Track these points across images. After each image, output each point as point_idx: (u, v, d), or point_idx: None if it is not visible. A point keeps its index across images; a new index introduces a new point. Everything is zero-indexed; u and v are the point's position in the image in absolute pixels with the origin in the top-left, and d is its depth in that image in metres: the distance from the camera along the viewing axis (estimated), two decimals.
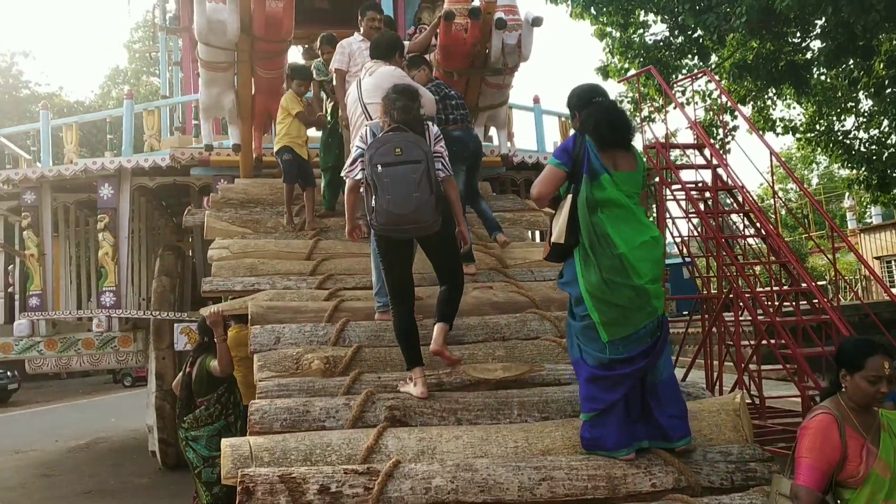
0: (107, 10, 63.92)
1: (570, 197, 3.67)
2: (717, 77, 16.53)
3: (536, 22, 6.77)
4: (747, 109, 18.35)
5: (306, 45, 11.77)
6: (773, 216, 10.99)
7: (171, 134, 10.94)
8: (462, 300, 5.27)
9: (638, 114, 13.30)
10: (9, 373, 22.36)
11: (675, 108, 9.73)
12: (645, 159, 3.87)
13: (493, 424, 4.02)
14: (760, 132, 18.00)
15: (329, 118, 7.19)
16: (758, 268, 9.88)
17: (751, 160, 12.19)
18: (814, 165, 39.37)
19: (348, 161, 4.48)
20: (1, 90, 28.17)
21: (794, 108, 19.38)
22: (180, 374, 5.57)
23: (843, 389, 3.03)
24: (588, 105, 3.80)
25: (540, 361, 4.70)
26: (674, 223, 9.65)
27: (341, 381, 4.35)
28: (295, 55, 13.72)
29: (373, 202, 4.05)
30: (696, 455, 3.69)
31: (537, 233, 8.50)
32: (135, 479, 9.38)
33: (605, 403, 3.57)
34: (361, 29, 6.30)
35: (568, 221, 3.64)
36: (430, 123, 4.51)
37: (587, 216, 3.58)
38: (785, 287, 8.63)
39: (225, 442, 3.74)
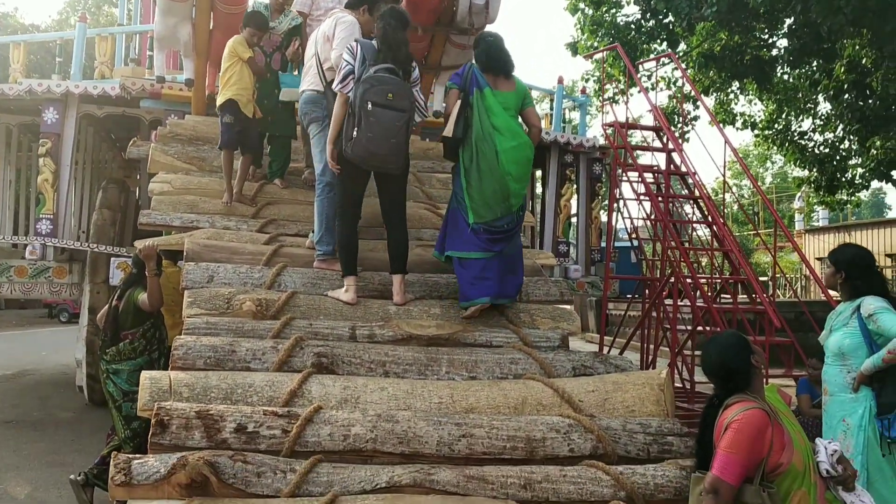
0: None
1: (459, 101, 4.71)
2: (683, 65, 16.63)
3: None
4: (710, 100, 18.53)
5: None
6: (724, 209, 11.14)
7: (126, 64, 10.59)
8: None
9: (601, 94, 13.31)
10: None
11: (638, 91, 9.72)
12: (528, 91, 5.05)
13: (420, 379, 4.01)
14: (720, 124, 18.23)
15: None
16: (704, 259, 10.03)
17: (707, 151, 12.23)
18: (769, 164, 40.10)
19: (340, 75, 4.59)
20: None
21: (755, 104, 19.63)
22: (107, 305, 5.43)
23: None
24: (479, 43, 4.97)
25: (474, 323, 4.69)
26: (625, 205, 9.73)
27: (272, 324, 4.29)
28: None
29: (354, 132, 4.35)
30: (616, 424, 3.72)
31: None
32: (59, 413, 9.21)
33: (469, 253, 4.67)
34: None
35: (456, 119, 4.67)
36: (415, 64, 4.77)
37: (478, 113, 4.66)
38: (726, 276, 8.79)
39: (145, 374, 3.66)
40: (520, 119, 4.90)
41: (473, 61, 4.95)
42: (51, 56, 20.86)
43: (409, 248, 4.87)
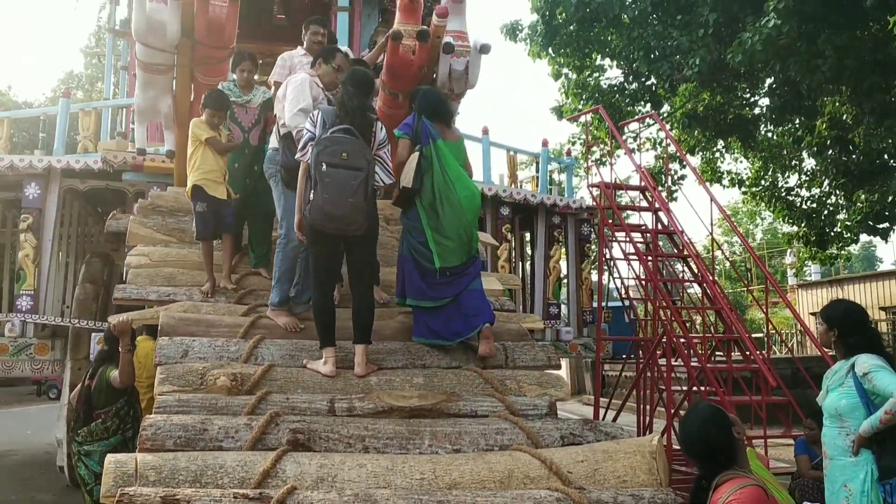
0: (65, 14, 62.93)
1: (416, 153, 4.85)
2: (667, 125, 16.81)
3: (484, 49, 6.71)
4: (696, 159, 18.68)
5: (260, 62, 11.59)
6: (714, 267, 11.06)
7: (113, 138, 10.60)
8: (386, 324, 5.16)
9: (588, 156, 13.38)
10: None
11: (624, 152, 9.76)
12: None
13: (401, 454, 3.83)
14: (707, 183, 18.33)
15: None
16: (697, 317, 9.91)
17: (694, 210, 12.13)
18: (759, 220, 40.30)
19: (300, 143, 4.58)
20: None
21: (741, 161, 19.80)
22: (79, 385, 5.25)
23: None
24: (417, 95, 5.21)
25: (459, 391, 4.53)
26: (615, 265, 9.66)
27: (247, 400, 4.12)
28: None
29: (310, 195, 4.32)
30: (607, 497, 3.54)
31: None
32: (38, 495, 8.90)
33: (435, 301, 4.87)
34: (304, 43, 6.16)
35: (415, 170, 4.80)
36: (378, 124, 4.73)
37: (438, 164, 4.84)
38: (718, 335, 8.66)
39: (109, 457, 3.48)
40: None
41: (417, 111, 5.11)
42: (38, 130, 21.04)
43: (373, 315, 4.73)
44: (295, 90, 5.03)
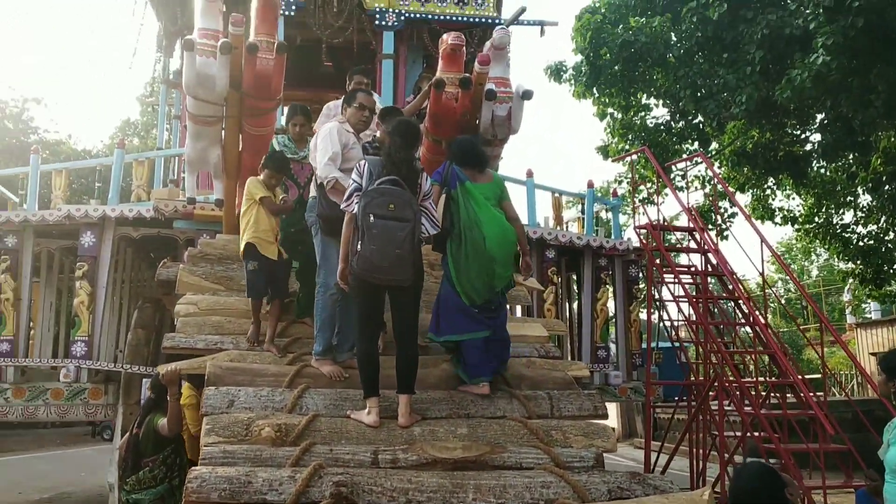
0: (124, 63, 65.29)
1: (443, 196, 5.07)
2: (716, 163, 16.63)
3: (527, 95, 6.73)
4: (747, 197, 18.41)
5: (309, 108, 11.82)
6: (766, 308, 10.81)
7: (166, 186, 10.88)
8: (430, 373, 5.14)
9: (635, 195, 13.27)
10: None
11: (667, 191, 9.66)
12: (504, 184, 5.48)
13: None
14: (759, 220, 18.02)
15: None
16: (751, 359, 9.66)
17: (743, 249, 11.93)
18: (814, 257, 39.36)
19: (346, 194, 4.63)
20: (10, 135, 28.32)
21: (793, 198, 19.44)
22: (128, 433, 5.32)
23: None
24: (453, 144, 5.50)
25: (503, 443, 4.47)
26: (664, 307, 9.50)
27: (291, 451, 4.13)
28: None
29: (358, 246, 4.37)
30: None
31: (518, 307, 8.31)
32: None
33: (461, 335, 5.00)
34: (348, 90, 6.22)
35: (443, 213, 4.98)
36: (424, 175, 4.80)
37: (464, 205, 5.04)
38: (772, 378, 8.41)
39: None
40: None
41: (448, 158, 5.40)
42: (95, 177, 21.69)
43: (417, 365, 4.69)
44: (324, 140, 5.14)
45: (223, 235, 7.62)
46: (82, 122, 62.95)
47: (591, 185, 10.83)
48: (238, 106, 6.73)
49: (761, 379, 8.53)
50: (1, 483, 13.76)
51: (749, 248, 12.03)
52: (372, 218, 4.30)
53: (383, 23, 10.48)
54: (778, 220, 18.45)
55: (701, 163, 15.95)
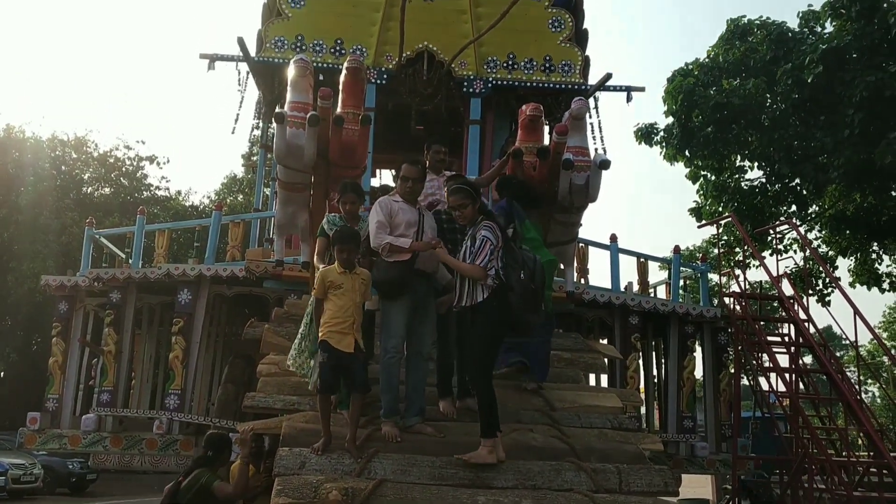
0: (227, 123, 68.76)
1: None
2: (815, 226, 16.07)
3: (604, 165, 6.79)
4: (850, 261, 17.63)
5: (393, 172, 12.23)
6: (860, 386, 10.28)
7: (261, 245, 11.37)
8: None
9: (731, 259, 12.97)
10: (88, 463, 22.74)
11: (753, 257, 9.41)
12: None
13: None
14: (864, 286, 17.22)
15: None
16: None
17: (834, 318, 11.42)
18: None
19: (485, 252, 4.97)
20: (125, 192, 30.16)
21: None
22: (172, 482, 5.47)
23: None
24: (507, 185, 6.23)
25: None
26: (755, 378, 9.19)
27: None
28: (386, 178, 14.29)
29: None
30: None
31: (591, 376, 8.20)
32: None
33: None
34: (428, 162, 6.31)
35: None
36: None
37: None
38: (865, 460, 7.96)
39: None
40: None
41: (507, 195, 6.10)
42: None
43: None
44: (372, 215, 5.44)
45: (308, 296, 7.88)
46: (192, 179, 66.46)
47: (677, 250, 10.67)
48: (325, 174, 7.04)
49: (853, 459, 8.08)
50: None
51: (850, 316, 11.50)
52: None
53: (471, 90, 10.79)
54: (885, 285, 17.57)
55: (799, 225, 15.46)
